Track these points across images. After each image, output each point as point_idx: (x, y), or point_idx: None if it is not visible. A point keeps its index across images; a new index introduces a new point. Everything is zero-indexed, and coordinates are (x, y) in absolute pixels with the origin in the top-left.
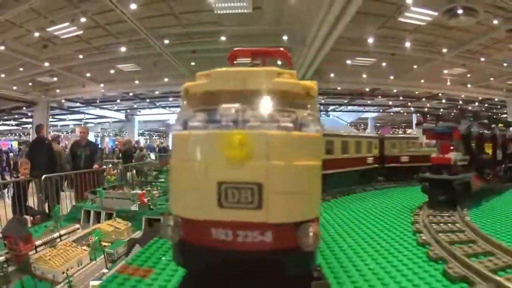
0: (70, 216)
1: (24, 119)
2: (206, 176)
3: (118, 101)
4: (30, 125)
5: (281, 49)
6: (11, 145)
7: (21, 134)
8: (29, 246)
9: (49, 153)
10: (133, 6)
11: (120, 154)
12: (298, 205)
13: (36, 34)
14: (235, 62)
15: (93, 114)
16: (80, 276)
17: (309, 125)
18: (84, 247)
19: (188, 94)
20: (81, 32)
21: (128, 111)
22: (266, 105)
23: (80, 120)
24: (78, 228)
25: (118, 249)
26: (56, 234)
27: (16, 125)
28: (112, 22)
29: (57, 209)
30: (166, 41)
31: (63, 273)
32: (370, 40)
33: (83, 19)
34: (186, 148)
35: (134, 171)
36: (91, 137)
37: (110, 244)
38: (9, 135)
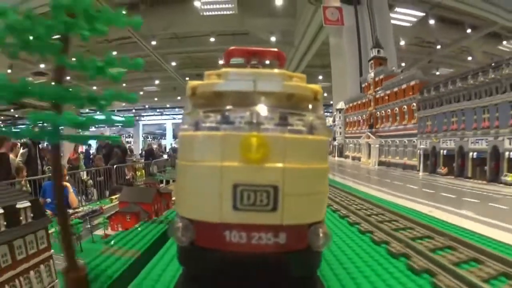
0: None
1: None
2: (221, 178)
3: (133, 110)
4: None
5: (276, 49)
6: None
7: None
8: None
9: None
10: (173, 63)
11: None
12: (310, 207)
13: None
14: (230, 61)
15: None
16: None
17: (319, 128)
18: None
19: (195, 93)
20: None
21: (137, 118)
22: (278, 108)
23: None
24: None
25: None
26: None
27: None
28: (152, 65)
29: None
30: (187, 78)
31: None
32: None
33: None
34: (199, 149)
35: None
36: None
37: None
38: None
